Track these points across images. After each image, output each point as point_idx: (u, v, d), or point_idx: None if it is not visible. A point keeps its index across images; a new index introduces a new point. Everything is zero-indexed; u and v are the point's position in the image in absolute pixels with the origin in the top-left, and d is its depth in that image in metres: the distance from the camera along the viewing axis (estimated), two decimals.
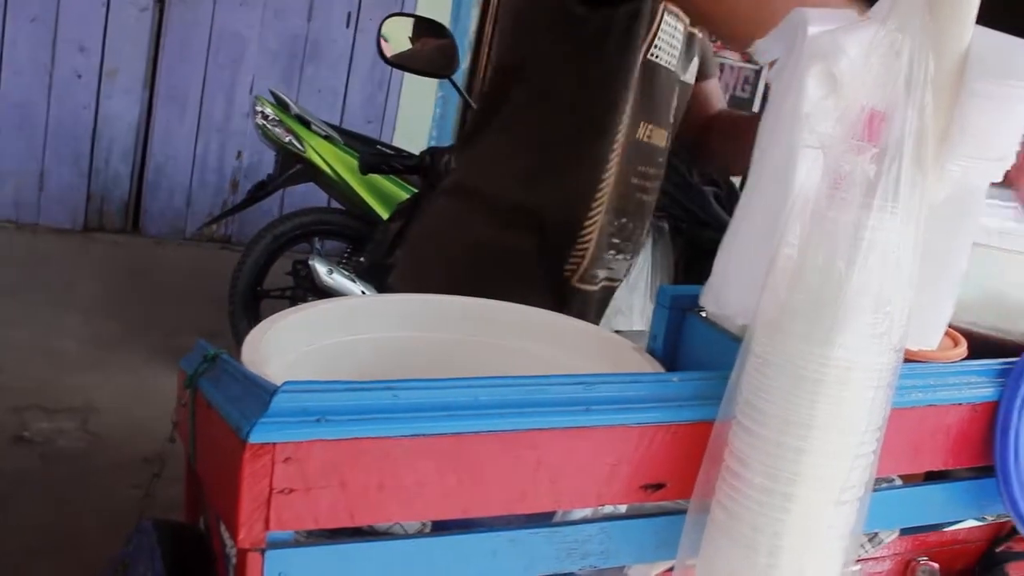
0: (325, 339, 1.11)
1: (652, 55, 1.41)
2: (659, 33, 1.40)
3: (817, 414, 0.79)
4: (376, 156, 3.35)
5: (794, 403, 0.79)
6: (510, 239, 1.48)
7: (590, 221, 1.44)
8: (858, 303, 0.76)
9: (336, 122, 5.12)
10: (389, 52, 2.88)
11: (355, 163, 3.58)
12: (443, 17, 5.11)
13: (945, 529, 1.14)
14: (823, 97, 0.78)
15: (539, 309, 1.20)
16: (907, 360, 0.99)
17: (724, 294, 0.88)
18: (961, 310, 1.12)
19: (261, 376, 0.81)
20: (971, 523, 1.15)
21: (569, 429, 0.82)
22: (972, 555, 1.16)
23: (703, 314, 0.98)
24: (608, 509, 0.91)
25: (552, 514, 0.90)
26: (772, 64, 0.84)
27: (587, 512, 0.90)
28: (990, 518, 1.15)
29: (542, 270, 1.49)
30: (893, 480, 1.04)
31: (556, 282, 1.49)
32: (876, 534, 1.04)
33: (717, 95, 1.72)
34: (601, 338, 1.17)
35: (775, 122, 0.82)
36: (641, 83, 1.41)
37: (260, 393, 0.76)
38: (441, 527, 0.85)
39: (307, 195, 4.64)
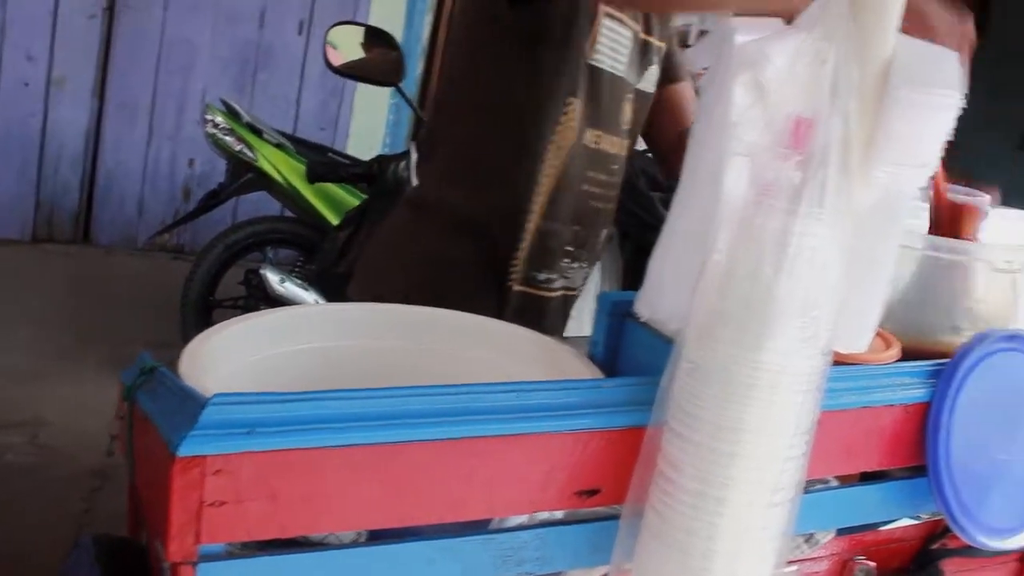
0: (268, 350, 1.10)
1: (594, 60, 1.41)
2: (599, 39, 1.40)
3: (748, 418, 0.80)
4: (323, 165, 3.33)
5: (725, 408, 0.80)
6: (458, 248, 1.49)
7: (529, 224, 1.45)
8: (786, 308, 0.78)
9: (289, 130, 5.09)
10: (336, 60, 2.88)
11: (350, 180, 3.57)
12: (396, 25, 5.11)
13: (881, 528, 1.15)
14: (750, 105, 0.79)
15: (484, 317, 1.20)
16: (841, 363, 1.01)
17: (657, 300, 0.88)
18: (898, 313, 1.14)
19: (199, 389, 0.81)
20: (907, 522, 1.16)
21: (502, 437, 0.82)
22: (908, 553, 1.18)
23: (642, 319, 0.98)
24: (544, 515, 0.91)
25: (488, 521, 0.90)
26: (701, 73, 0.85)
27: (523, 519, 0.90)
28: (925, 516, 1.17)
29: (488, 278, 1.49)
30: (829, 481, 1.06)
31: (502, 288, 1.49)
32: (812, 535, 1.06)
33: (691, 103, 1.71)
34: (543, 344, 1.17)
35: (705, 130, 0.83)
36: (585, 89, 1.41)
37: (191, 406, 0.76)
38: (377, 536, 0.85)
39: (260, 204, 4.61)
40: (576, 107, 1.42)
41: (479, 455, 0.82)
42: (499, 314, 1.21)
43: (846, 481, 1.09)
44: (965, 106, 1.33)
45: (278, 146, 3.92)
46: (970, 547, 1.11)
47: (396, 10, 5.49)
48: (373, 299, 1.42)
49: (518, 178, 1.44)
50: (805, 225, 0.77)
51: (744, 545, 0.83)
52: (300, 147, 4.02)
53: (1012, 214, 1.48)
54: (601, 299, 1.12)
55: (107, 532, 1.05)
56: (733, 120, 0.79)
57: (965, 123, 1.40)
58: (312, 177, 3.27)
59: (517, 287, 1.48)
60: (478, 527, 0.88)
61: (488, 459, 0.82)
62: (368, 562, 0.82)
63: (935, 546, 1.17)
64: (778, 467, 0.82)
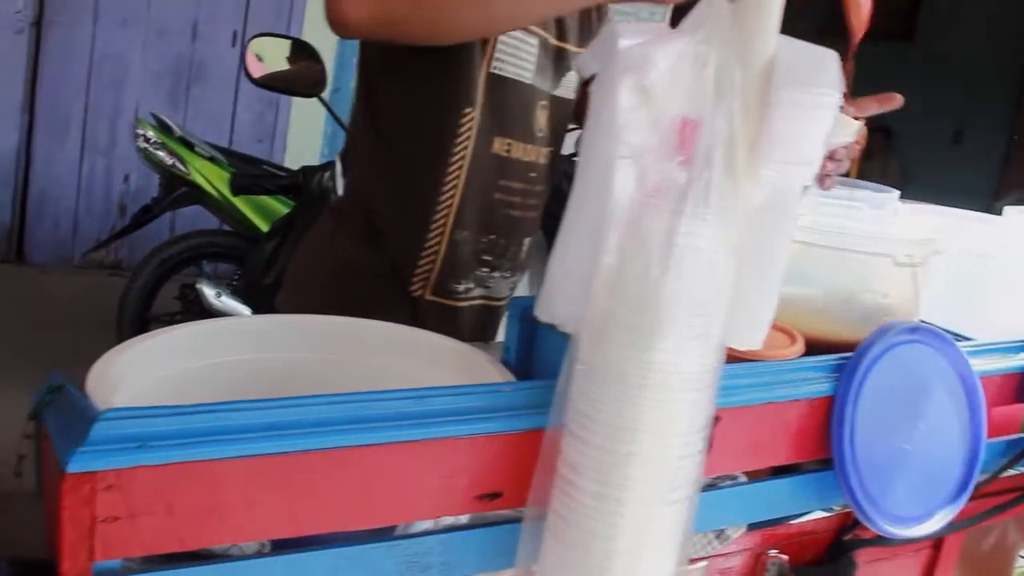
0: (180, 365, 1.10)
1: (495, 68, 1.42)
2: (498, 48, 1.41)
3: (643, 418, 0.81)
4: (248, 177, 3.32)
5: (620, 409, 0.81)
6: (369, 258, 1.49)
7: (433, 234, 1.45)
8: (674, 308, 0.79)
9: (225, 143, 5.07)
10: (257, 72, 2.87)
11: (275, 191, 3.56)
12: (330, 36, 5.09)
13: (793, 522, 1.16)
14: (635, 108, 0.80)
15: (400, 325, 1.20)
16: (745, 359, 1.03)
17: (554, 303, 0.89)
18: (804, 308, 1.16)
19: (105, 406, 0.80)
20: (819, 514, 1.18)
21: (400, 444, 0.82)
22: (822, 545, 1.19)
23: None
24: (450, 520, 0.91)
25: (395, 528, 0.90)
26: (590, 80, 0.86)
27: (429, 524, 0.90)
28: (837, 508, 1.18)
29: (397, 287, 1.50)
30: (737, 477, 1.07)
31: (410, 298, 1.49)
32: (723, 531, 1.07)
33: None
34: (458, 351, 1.18)
35: (594, 134, 0.84)
36: (487, 97, 1.42)
37: (82, 422, 0.75)
38: (284, 545, 0.85)
39: (199, 217, 4.58)
40: (475, 117, 1.42)
41: (377, 462, 0.82)
42: (413, 323, 1.21)
43: (755, 476, 1.10)
44: (903, 103, 1.36)
45: (211, 159, 3.89)
46: (882, 537, 1.13)
47: None
48: (296, 310, 1.43)
49: (419, 189, 1.45)
50: (691, 225, 0.78)
51: (645, 543, 0.84)
52: (233, 160, 4.00)
53: (921, 208, 1.51)
54: (512, 304, 1.12)
55: (15, 555, 1.04)
56: (619, 123, 0.80)
57: (904, 119, 1.43)
58: (236, 189, 3.25)
59: (429, 296, 1.49)
60: (384, 534, 0.88)
61: (386, 466, 0.82)
62: (270, 573, 0.82)
63: (848, 537, 1.19)
64: (675, 465, 0.83)
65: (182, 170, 3.84)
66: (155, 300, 3.95)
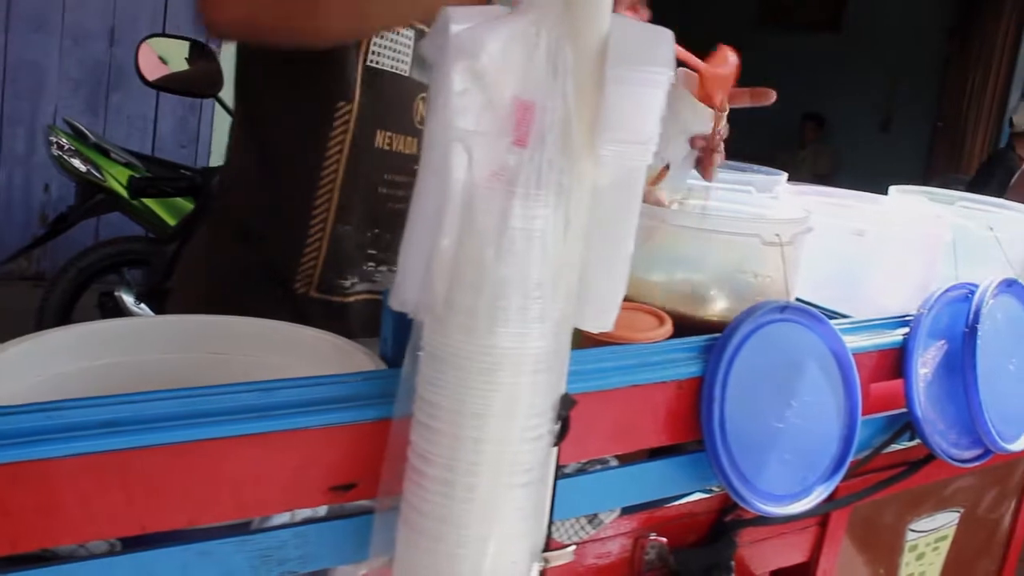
0: (57, 367, 1.08)
1: (372, 62, 1.41)
2: (375, 39, 1.40)
3: (487, 403, 0.81)
4: (145, 180, 3.28)
5: (463, 394, 0.81)
6: (246, 258, 1.48)
7: (314, 231, 1.44)
8: (509, 290, 0.78)
9: (147, 149, 5.01)
10: (151, 74, 2.84)
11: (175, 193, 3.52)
12: None
13: (673, 504, 1.17)
14: (468, 92, 0.80)
15: (278, 322, 1.19)
16: (611, 342, 1.03)
17: (403, 291, 0.88)
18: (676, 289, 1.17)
19: None
20: (699, 495, 1.18)
21: (244, 436, 0.81)
22: (703, 526, 1.19)
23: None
24: (308, 512, 0.90)
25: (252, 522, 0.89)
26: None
27: (285, 517, 0.90)
28: (717, 489, 1.18)
29: (276, 285, 1.48)
30: (608, 461, 1.07)
31: (294, 296, 1.48)
32: (596, 515, 1.07)
33: None
34: (335, 345, 1.17)
35: (432, 119, 0.83)
36: (365, 91, 1.41)
37: None
38: (139, 544, 0.84)
39: (124, 224, 4.52)
40: (352, 111, 1.41)
41: (220, 456, 0.81)
42: (300, 322, 1.20)
43: (631, 459, 1.10)
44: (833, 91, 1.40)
45: (127, 165, 3.85)
46: (763, 516, 1.14)
47: None
48: (184, 310, 1.41)
49: (295, 185, 1.44)
50: (525, 207, 0.78)
51: (497, 528, 0.84)
52: (151, 165, 3.96)
53: (807, 189, 1.52)
54: (385, 295, 1.11)
55: None
56: (453, 107, 0.80)
57: (834, 108, 1.45)
58: (134, 192, 3.22)
59: (314, 294, 1.47)
60: (240, 529, 0.87)
61: (230, 460, 0.81)
62: (116, 572, 0.81)
63: (729, 518, 1.19)
64: (522, 448, 0.83)
65: (98, 177, 3.79)
66: (75, 309, 3.89)
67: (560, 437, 0.90)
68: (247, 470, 0.82)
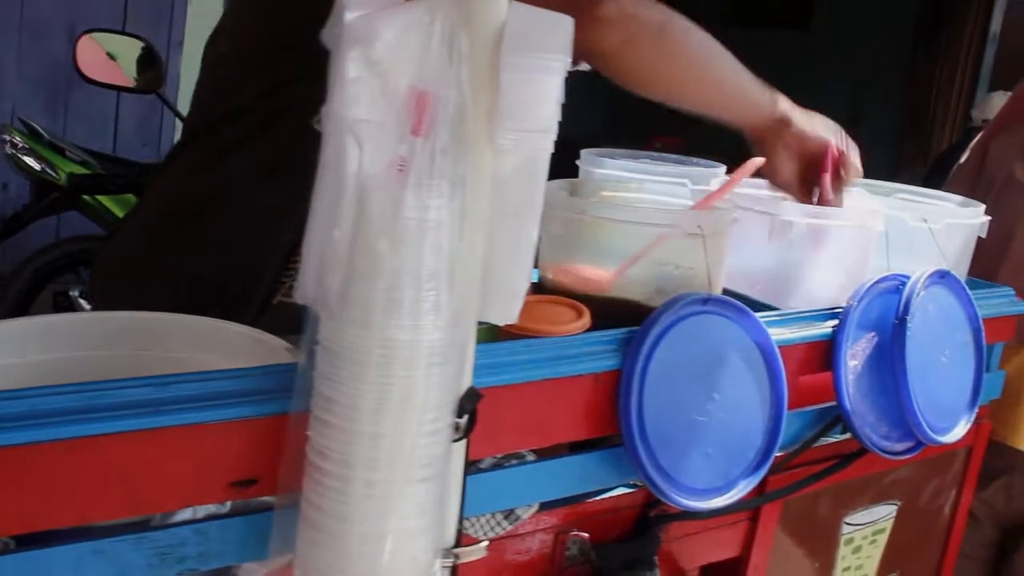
0: None
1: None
2: None
3: (382, 397, 0.79)
4: (85, 176, 3.24)
5: (360, 389, 0.79)
6: (209, 269, 1.41)
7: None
8: (403, 282, 0.77)
9: (108, 148, 4.96)
10: (90, 70, 2.81)
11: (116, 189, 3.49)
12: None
13: (596, 498, 1.16)
14: (363, 81, 0.78)
15: (206, 318, 1.17)
16: (527, 335, 1.02)
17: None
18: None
19: None
20: (623, 490, 1.17)
21: (138, 432, 0.80)
22: (627, 521, 1.18)
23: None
24: (211, 508, 0.89)
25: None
26: None
27: (188, 514, 0.88)
28: (641, 484, 1.17)
29: (243, 297, 1.42)
30: (524, 455, 1.06)
31: (261, 305, 1.43)
32: (512, 511, 1.05)
33: None
34: (257, 340, 1.15)
35: (329, 108, 0.82)
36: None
37: None
38: (38, 542, 0.82)
39: (84, 223, 4.46)
40: None
41: (112, 452, 0.79)
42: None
43: (552, 454, 1.09)
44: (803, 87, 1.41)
45: (82, 163, 3.81)
46: (689, 511, 1.13)
47: (211, 23, 5.39)
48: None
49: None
50: (418, 197, 0.77)
51: (395, 524, 0.82)
52: (108, 164, 3.92)
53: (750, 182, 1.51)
54: None
55: None
56: (348, 96, 0.79)
57: (804, 104, 1.46)
58: (73, 188, 3.18)
59: (280, 298, 1.42)
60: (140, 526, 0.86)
61: (122, 456, 0.80)
62: (8, 571, 0.79)
63: (653, 513, 1.18)
64: (421, 442, 0.82)
65: (52, 175, 3.75)
66: (31, 308, 3.85)
67: (467, 431, 0.89)
68: (141, 466, 0.81)
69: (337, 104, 0.80)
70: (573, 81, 1.35)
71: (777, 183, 1.44)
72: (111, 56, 2.81)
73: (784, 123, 1.40)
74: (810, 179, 1.43)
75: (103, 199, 3.71)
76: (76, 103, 5.36)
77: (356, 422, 0.80)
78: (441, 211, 0.78)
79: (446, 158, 0.78)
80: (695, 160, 1.70)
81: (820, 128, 1.44)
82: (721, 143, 1.73)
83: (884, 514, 1.56)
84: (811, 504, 1.42)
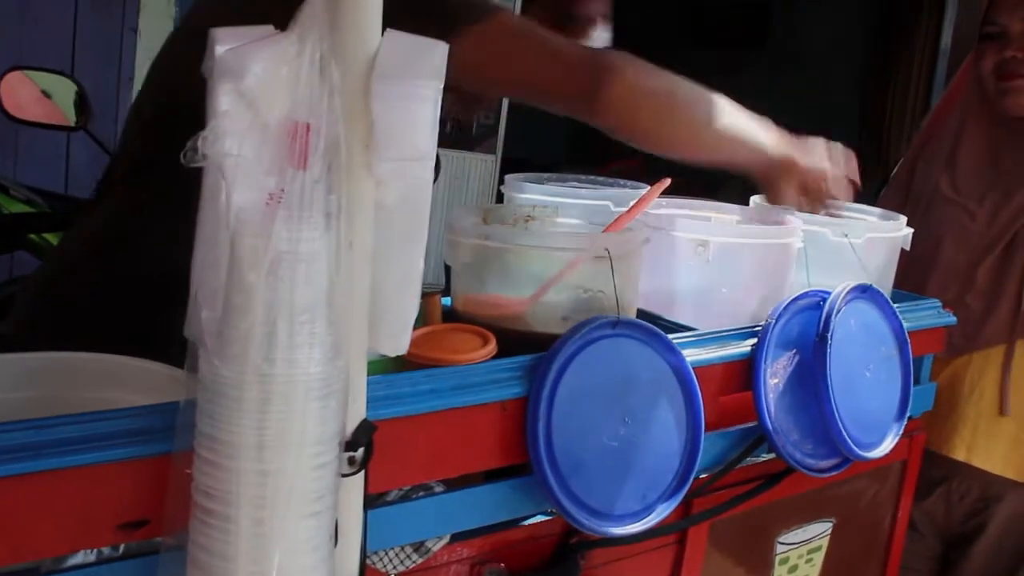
0: None
1: None
2: None
3: (263, 433, 0.78)
4: (21, 216, 3.21)
5: (240, 426, 0.78)
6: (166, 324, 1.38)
7: None
8: (276, 316, 0.76)
9: (61, 188, 4.92)
10: (15, 109, 2.78)
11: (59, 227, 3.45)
12: None
13: (514, 527, 1.14)
14: (236, 115, 0.77)
15: (116, 356, 1.16)
16: (432, 364, 1.01)
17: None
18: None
19: None
20: (542, 518, 1.16)
21: (16, 477, 0.78)
22: (547, 549, 1.17)
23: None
24: (107, 551, 0.87)
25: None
26: None
27: (79, 557, 0.86)
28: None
29: (163, 330, 1.40)
30: (432, 487, 1.05)
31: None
32: (422, 543, 1.04)
33: None
34: (174, 378, 1.13)
35: (205, 142, 0.81)
36: None
37: None
38: None
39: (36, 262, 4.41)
40: None
41: None
42: None
43: (466, 483, 1.08)
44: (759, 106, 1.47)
45: (28, 202, 3.77)
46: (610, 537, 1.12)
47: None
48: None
49: None
50: (291, 230, 0.76)
51: (287, 561, 0.81)
52: (55, 202, 3.88)
53: (663, 202, 1.51)
54: None
55: None
56: (222, 130, 0.78)
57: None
58: (10, 228, 3.15)
59: None
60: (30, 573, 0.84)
61: (6, 501, 0.78)
62: None
63: (574, 540, 1.17)
64: (309, 476, 0.80)
65: None
66: None
67: (363, 464, 0.88)
68: (20, 512, 0.79)
69: (212, 139, 0.79)
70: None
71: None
72: (46, 94, 2.79)
73: (787, 165, 1.52)
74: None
75: (51, 237, 3.66)
76: (26, 142, 5.32)
77: (238, 459, 0.78)
78: (315, 243, 0.77)
79: (319, 189, 0.77)
80: (621, 182, 1.70)
81: (816, 158, 1.57)
82: (676, 163, 1.76)
83: (819, 531, 1.56)
84: (742, 525, 1.41)
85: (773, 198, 1.55)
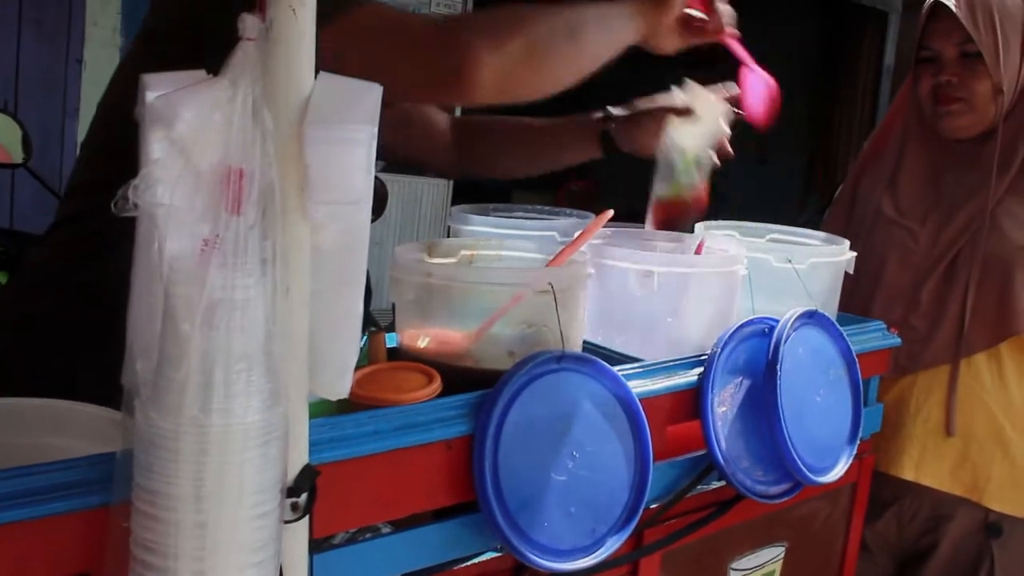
0: None
1: None
2: None
3: (201, 484, 0.77)
4: None
5: (177, 477, 0.77)
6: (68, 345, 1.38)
7: None
8: (212, 364, 0.75)
9: (6, 222, 4.87)
10: None
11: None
12: None
13: (462, 565, 1.13)
14: (168, 162, 0.77)
15: (60, 401, 1.14)
16: (374, 405, 1.00)
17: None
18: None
19: None
20: (492, 554, 1.15)
21: None
22: None
23: None
24: None
25: None
26: None
27: None
28: None
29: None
30: (380, 528, 1.04)
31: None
32: None
33: None
34: (116, 423, 1.12)
35: (136, 191, 0.80)
36: None
37: None
38: None
39: None
40: None
41: None
42: None
43: (416, 522, 1.07)
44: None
45: None
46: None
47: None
48: None
49: None
50: (225, 277, 0.75)
51: None
52: (1, 238, 3.83)
53: (612, 231, 1.52)
54: None
55: None
56: (154, 178, 0.77)
57: None
58: None
59: None
60: None
61: None
62: None
63: (526, 574, 1.17)
64: (250, 526, 0.79)
65: None
66: None
67: (307, 509, 0.87)
68: None
69: (144, 186, 0.78)
70: None
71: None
72: None
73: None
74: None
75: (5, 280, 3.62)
76: None
77: (176, 512, 0.77)
78: (250, 290, 0.76)
79: (254, 235, 0.76)
80: (568, 211, 1.71)
81: None
82: (633, 184, 1.78)
83: (771, 556, 1.56)
84: (694, 553, 1.41)
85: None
